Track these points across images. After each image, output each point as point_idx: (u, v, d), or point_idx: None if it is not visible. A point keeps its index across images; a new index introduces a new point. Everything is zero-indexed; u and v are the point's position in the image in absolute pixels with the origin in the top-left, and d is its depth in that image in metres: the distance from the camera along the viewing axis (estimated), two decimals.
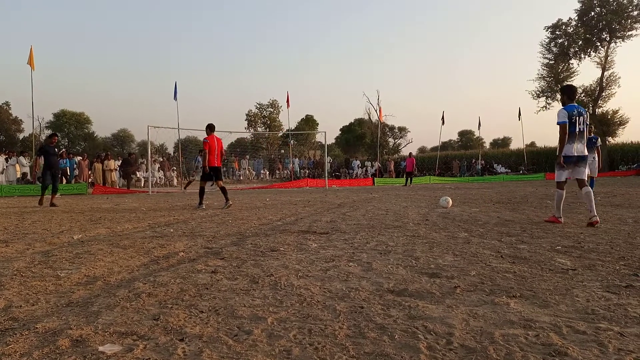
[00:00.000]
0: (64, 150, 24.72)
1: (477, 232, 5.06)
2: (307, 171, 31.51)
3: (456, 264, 3.37)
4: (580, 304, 2.30)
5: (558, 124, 5.66)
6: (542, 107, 39.80)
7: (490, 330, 1.95)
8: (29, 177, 19.89)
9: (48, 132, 52.55)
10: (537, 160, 37.02)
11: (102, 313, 2.28)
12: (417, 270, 3.16)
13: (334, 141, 56.67)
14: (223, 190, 9.86)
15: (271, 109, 50.29)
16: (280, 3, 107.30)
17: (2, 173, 18.94)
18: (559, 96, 37.66)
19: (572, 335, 1.88)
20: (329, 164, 31.08)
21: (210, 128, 9.87)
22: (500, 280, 2.82)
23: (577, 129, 5.61)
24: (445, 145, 58.32)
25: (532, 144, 49.08)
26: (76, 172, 21.00)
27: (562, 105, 5.81)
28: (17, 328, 2.07)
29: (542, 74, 39.59)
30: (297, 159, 34.00)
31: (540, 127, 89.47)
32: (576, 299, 2.39)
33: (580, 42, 36.84)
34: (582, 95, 38.45)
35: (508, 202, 9.57)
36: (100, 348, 1.81)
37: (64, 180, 20.18)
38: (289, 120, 45.32)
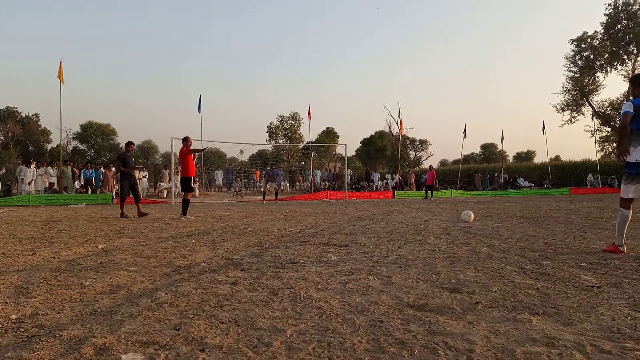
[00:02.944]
0: (88, 161, 25.28)
1: (500, 247, 4.99)
2: (327, 183, 31.53)
3: (478, 279, 3.32)
4: (606, 323, 2.25)
5: (621, 115, 4.56)
6: (567, 121, 39.20)
7: (512, 347, 1.92)
8: (55, 186, 20.38)
9: (75, 142, 54.10)
10: (562, 175, 36.36)
11: (125, 322, 2.32)
12: (437, 285, 3.13)
13: (354, 153, 56.65)
14: (183, 202, 10.22)
15: (292, 122, 50.70)
16: (301, 16, 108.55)
17: (29, 184, 19.42)
18: (584, 109, 36.86)
19: (596, 354, 1.84)
20: (349, 177, 31.05)
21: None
22: (522, 297, 2.77)
23: None
24: (467, 159, 57.73)
25: (557, 157, 48.31)
26: (101, 182, 21.43)
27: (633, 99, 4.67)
28: (43, 335, 2.13)
29: (567, 87, 39.05)
30: (317, 170, 34.10)
31: (565, 140, 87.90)
32: (601, 318, 2.34)
33: (607, 55, 36.24)
34: (609, 109, 37.79)
35: (532, 217, 9.41)
36: (123, 357, 1.85)
37: (89, 190, 20.63)
38: (309, 132, 45.61)
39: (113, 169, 23.27)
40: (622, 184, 4.68)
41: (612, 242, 4.82)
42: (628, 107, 4.49)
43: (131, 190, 10.96)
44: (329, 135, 52.75)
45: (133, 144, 11.74)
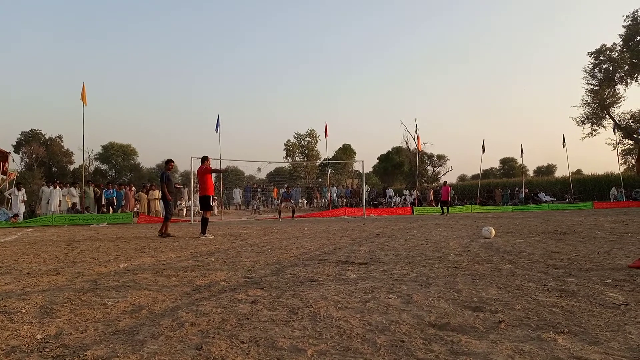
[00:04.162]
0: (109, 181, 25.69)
1: (522, 264, 4.91)
2: (345, 200, 31.48)
3: (500, 297, 3.27)
4: (634, 342, 2.19)
5: None
6: (588, 134, 38.68)
7: None
8: (78, 207, 20.75)
9: (97, 163, 55.10)
10: (584, 189, 35.68)
11: (147, 342, 2.34)
12: (459, 304, 3.09)
13: (371, 170, 56.58)
14: (202, 221, 10.20)
15: (309, 139, 51.05)
16: (316, 34, 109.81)
17: (59, 205, 19.84)
18: (605, 122, 36.36)
19: None
20: (367, 193, 30.96)
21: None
22: (547, 315, 2.72)
23: None
24: (486, 173, 57.14)
25: (579, 171, 47.49)
26: (123, 202, 21.76)
27: None
28: (68, 355, 2.16)
29: (586, 100, 38.65)
30: (334, 187, 34.11)
31: (587, 154, 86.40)
32: (629, 336, 2.28)
33: (626, 67, 35.83)
34: (631, 121, 37.20)
35: (554, 233, 9.24)
36: None
37: (111, 210, 20.95)
38: (326, 149, 45.63)
39: (134, 188, 23.63)
40: None
41: (638, 257, 4.71)
42: None
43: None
44: (346, 151, 52.90)
45: (173, 161, 11.52)
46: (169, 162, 11.31)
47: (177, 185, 11.48)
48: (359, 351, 2.14)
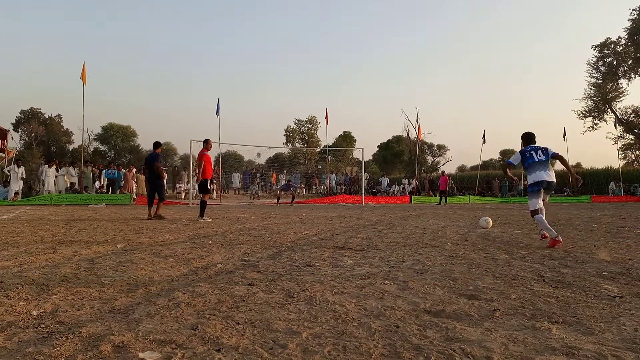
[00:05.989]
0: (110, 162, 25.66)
1: (519, 255, 4.92)
2: (344, 187, 31.48)
3: (496, 286, 3.28)
4: (628, 333, 2.20)
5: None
6: (589, 128, 38.58)
7: (530, 356, 1.89)
8: (76, 186, 20.74)
9: (96, 143, 54.93)
10: (583, 182, 35.65)
11: (142, 321, 2.34)
12: (455, 291, 3.09)
13: (371, 158, 56.54)
14: (200, 204, 10.27)
15: (309, 125, 50.94)
16: (320, 20, 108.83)
17: (54, 184, 19.81)
18: (606, 116, 36.55)
19: None
20: (365, 181, 30.96)
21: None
22: (541, 305, 2.73)
23: (536, 159, 5.95)
24: (486, 164, 57.01)
25: (578, 164, 47.44)
26: (122, 183, 21.73)
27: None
28: (63, 332, 2.16)
29: (589, 94, 38.48)
30: (334, 174, 34.07)
31: (587, 147, 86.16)
32: (623, 328, 2.29)
33: (630, 61, 35.63)
34: (633, 116, 37.11)
35: (552, 225, 9.23)
36: (141, 355, 1.87)
37: (110, 190, 20.95)
38: (327, 136, 45.76)
39: (134, 170, 23.60)
40: (529, 200, 6.03)
41: (552, 239, 5.65)
42: (513, 159, 6.24)
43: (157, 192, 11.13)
44: (346, 139, 52.84)
45: (161, 144, 11.76)
46: (159, 145, 11.46)
47: (163, 168, 11.57)
48: (354, 335, 2.15)
